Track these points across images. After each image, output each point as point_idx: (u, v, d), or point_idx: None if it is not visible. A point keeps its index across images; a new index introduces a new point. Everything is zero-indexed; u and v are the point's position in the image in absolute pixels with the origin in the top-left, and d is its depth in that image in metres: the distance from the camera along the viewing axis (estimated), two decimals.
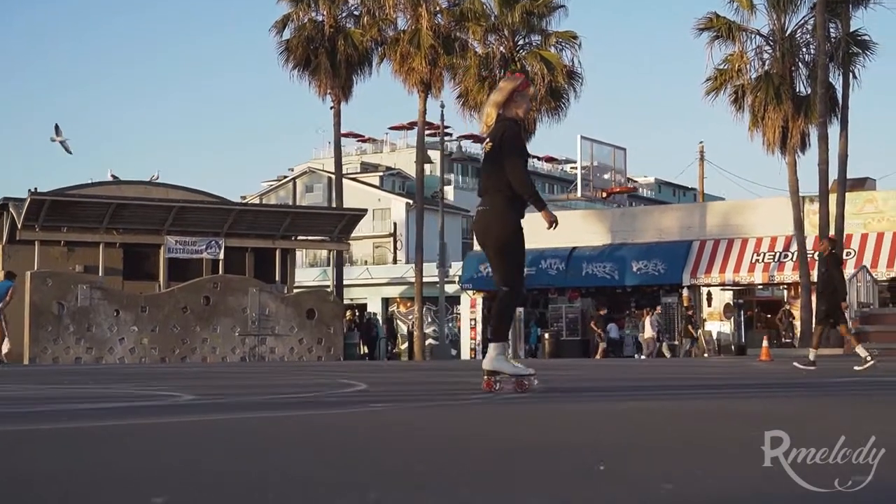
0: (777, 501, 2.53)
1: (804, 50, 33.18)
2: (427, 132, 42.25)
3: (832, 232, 30.10)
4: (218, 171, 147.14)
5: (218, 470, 3.04)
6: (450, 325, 43.54)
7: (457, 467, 3.14)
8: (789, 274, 34.38)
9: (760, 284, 36.76)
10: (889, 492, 2.63)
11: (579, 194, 38.85)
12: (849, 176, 36.35)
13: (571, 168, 65.83)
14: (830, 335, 29.15)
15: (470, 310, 41.55)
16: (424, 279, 38.40)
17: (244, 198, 67.47)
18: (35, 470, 3.01)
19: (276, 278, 32.35)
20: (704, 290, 37.49)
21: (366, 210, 35.37)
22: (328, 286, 36.27)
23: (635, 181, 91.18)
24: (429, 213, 42.01)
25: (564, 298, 39.16)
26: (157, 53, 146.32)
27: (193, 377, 12.17)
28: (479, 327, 41.02)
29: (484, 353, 30.69)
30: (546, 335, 37.01)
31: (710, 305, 37.76)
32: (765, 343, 23.79)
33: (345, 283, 41.62)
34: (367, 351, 40.49)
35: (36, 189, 29.87)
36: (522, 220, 7.00)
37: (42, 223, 29.75)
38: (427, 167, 53.19)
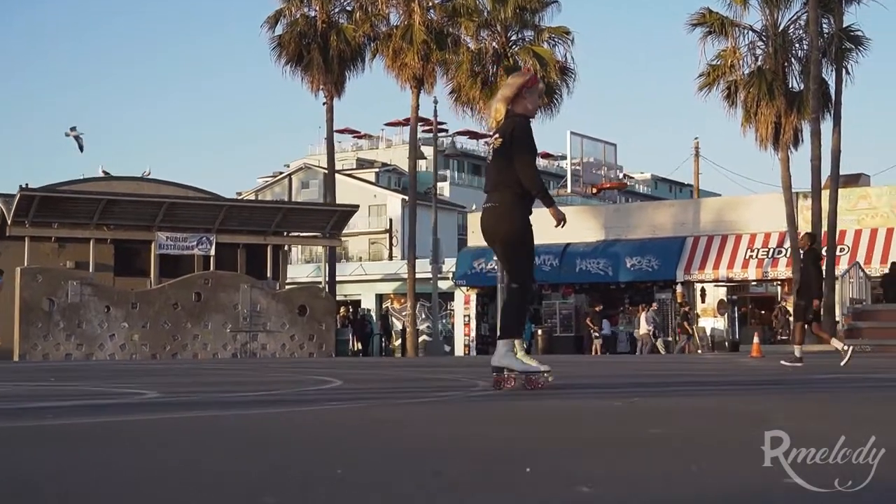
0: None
1: (797, 45, 33.09)
2: (423, 128, 42.12)
3: (825, 228, 30.06)
4: (214, 168, 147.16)
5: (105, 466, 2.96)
6: (444, 321, 43.49)
7: (370, 469, 3.06)
8: (783, 270, 34.33)
9: (754, 281, 36.73)
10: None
11: (569, 190, 38.79)
12: (843, 172, 36.33)
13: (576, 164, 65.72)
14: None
15: (464, 306, 41.50)
16: (419, 275, 38.33)
17: (240, 194, 67.42)
18: None
19: (268, 274, 32.26)
20: (698, 287, 37.46)
21: (357, 206, 35.26)
22: (321, 282, 36.21)
23: (632, 177, 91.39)
24: (425, 209, 41.91)
25: (558, 295, 39.13)
26: (153, 50, 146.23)
27: (171, 374, 12.11)
28: (473, 323, 41.02)
29: (478, 350, 30.73)
30: (539, 331, 36.95)
31: (703, 302, 37.73)
32: (755, 339, 23.72)
33: (339, 279, 41.52)
34: (360, 347, 40.44)
35: (27, 185, 29.81)
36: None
37: (32, 219, 29.65)
38: (424, 163, 53.19)
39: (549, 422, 4.76)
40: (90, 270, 29.97)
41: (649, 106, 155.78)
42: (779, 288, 37.26)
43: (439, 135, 61.01)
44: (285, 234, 34.17)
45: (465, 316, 41.48)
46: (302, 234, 35.47)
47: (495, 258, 33.94)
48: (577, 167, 38.62)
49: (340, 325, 38.01)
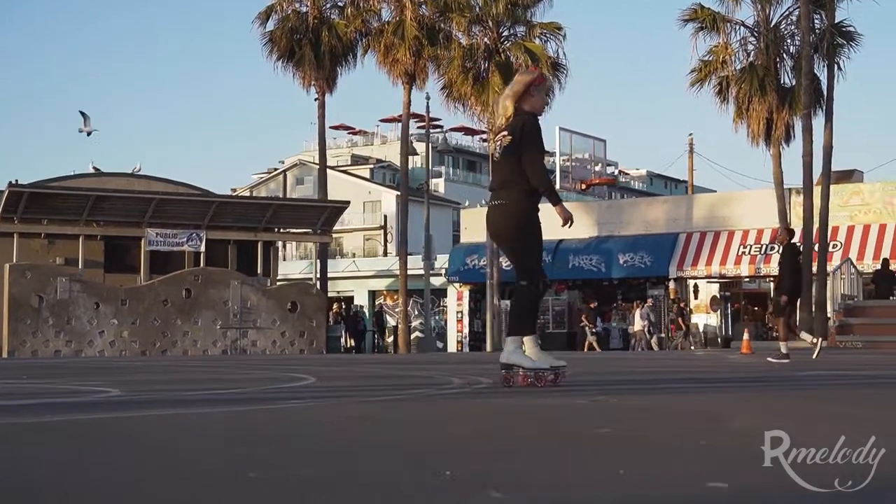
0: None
1: (789, 41, 33.01)
2: (419, 124, 42.17)
3: (817, 224, 30.00)
4: (208, 164, 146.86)
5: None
6: (436, 317, 43.43)
7: (271, 471, 2.98)
8: (776, 266, 34.14)
9: (747, 277, 36.66)
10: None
11: (558, 186, 38.71)
12: (836, 168, 36.28)
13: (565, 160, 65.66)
14: (815, 327, 29.21)
15: (457, 302, 41.44)
16: (412, 272, 38.28)
17: (234, 190, 67.32)
18: None
19: (259, 271, 32.17)
20: (691, 283, 37.41)
21: (348, 202, 35.17)
22: (319, 278, 36.14)
23: (627, 173, 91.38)
24: (420, 206, 41.80)
25: (551, 291, 39.05)
26: (147, 46, 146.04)
27: (148, 372, 12.03)
28: (466, 320, 40.96)
29: (471, 347, 30.62)
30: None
31: (696, 298, 37.70)
32: (745, 336, 23.62)
33: (331, 275, 41.46)
34: (353, 344, 40.37)
35: (16, 181, 29.72)
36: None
37: (21, 215, 29.57)
38: (419, 160, 53.16)
39: (502, 421, 4.68)
40: (80, 267, 29.89)
41: (644, 102, 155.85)
42: (771, 284, 37.16)
43: (433, 131, 61.10)
44: (276, 230, 34.09)
45: (457, 312, 41.42)
46: (293, 231, 35.40)
47: (487, 255, 34.26)
48: (567, 163, 38.55)
49: (333, 321, 37.96)
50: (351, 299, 44.94)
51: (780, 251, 15.70)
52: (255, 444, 3.71)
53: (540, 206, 6.94)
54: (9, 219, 29.41)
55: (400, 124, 66.78)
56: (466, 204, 51.46)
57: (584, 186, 38.53)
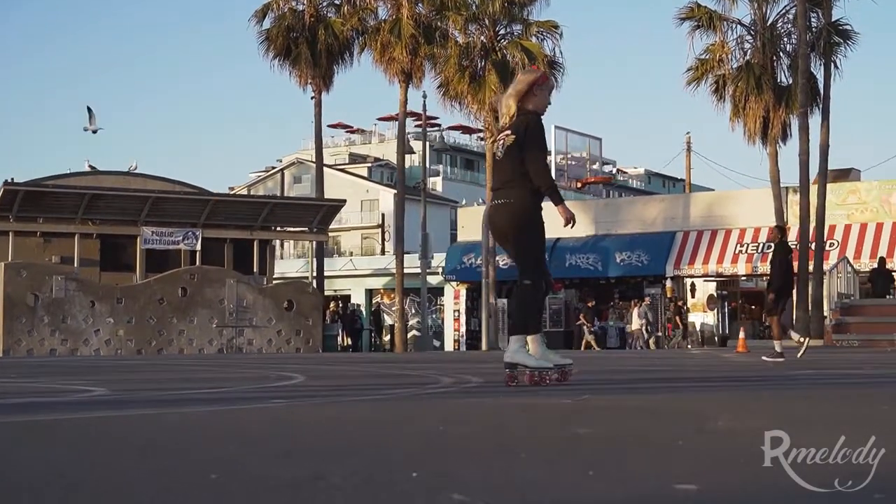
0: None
1: (785, 40, 32.95)
2: (416, 123, 42.05)
3: (813, 223, 29.96)
4: (207, 163, 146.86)
5: None
6: (433, 316, 43.39)
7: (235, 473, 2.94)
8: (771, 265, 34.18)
9: (744, 275, 36.62)
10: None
11: None
12: (834, 167, 36.21)
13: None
14: (811, 326, 29.18)
15: (453, 301, 41.41)
16: (409, 270, 38.24)
17: (232, 189, 67.21)
18: None
19: (255, 269, 32.14)
20: (688, 282, 37.38)
21: (344, 201, 35.14)
22: (315, 276, 36.11)
23: (625, 172, 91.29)
24: (418, 204, 41.67)
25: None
26: (148, 45, 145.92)
27: (137, 370, 11.98)
28: (463, 319, 40.93)
29: (468, 345, 30.57)
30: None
31: (693, 297, 37.68)
32: (741, 335, 23.58)
33: (328, 274, 41.40)
34: (350, 343, 40.32)
35: (12, 179, 29.68)
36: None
37: (16, 214, 29.54)
38: (417, 158, 53.03)
39: (479, 421, 4.64)
40: (75, 265, 29.85)
41: (642, 100, 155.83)
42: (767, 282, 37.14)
43: (431, 129, 61.01)
44: (272, 228, 34.06)
45: (454, 311, 41.40)
46: (289, 229, 35.34)
47: (483, 254, 34.18)
48: (563, 162, 38.51)
49: (330, 320, 37.91)
50: (348, 298, 44.89)
51: (773, 249, 15.68)
52: (225, 444, 3.66)
53: (564, 206, 6.93)
54: (4, 217, 29.38)
55: (397, 123, 66.78)
56: (463, 203, 51.43)
57: (580, 185, 38.51)
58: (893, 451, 2.91)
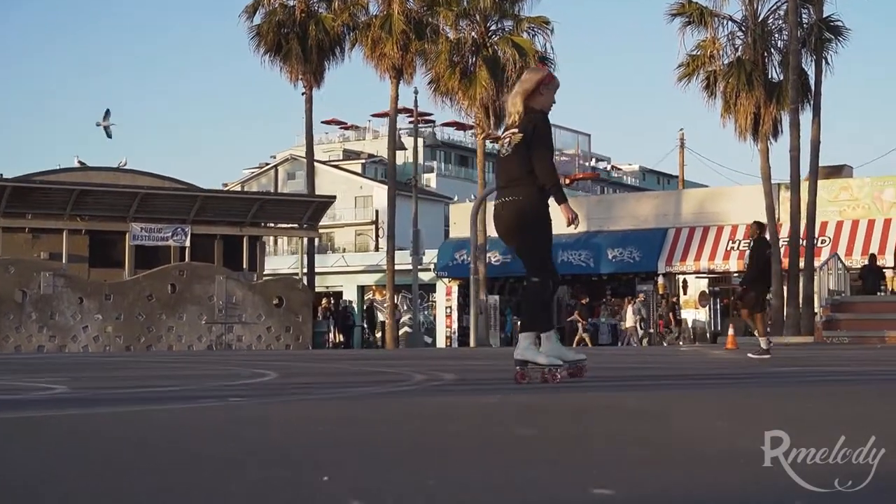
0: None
1: (776, 36, 32.85)
2: (410, 119, 41.95)
3: (804, 220, 29.90)
4: (201, 159, 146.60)
5: None
6: (425, 312, 43.31)
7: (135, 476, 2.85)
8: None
9: (735, 272, 36.51)
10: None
11: None
12: (827, 164, 36.13)
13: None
14: (802, 322, 29.14)
15: (445, 297, 41.33)
16: (401, 267, 38.16)
17: (226, 185, 67.10)
18: None
19: (244, 265, 32.06)
20: (680, 278, 37.33)
21: (334, 197, 35.07)
22: (304, 273, 36.04)
23: (619, 169, 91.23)
24: (410, 201, 41.57)
25: None
26: (146, 43, 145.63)
27: (108, 368, 11.88)
28: (455, 315, 40.85)
29: (460, 342, 30.43)
30: (519, 323, 36.70)
31: (685, 293, 37.63)
32: (731, 331, 23.53)
33: (321, 270, 41.30)
34: (342, 339, 40.21)
35: (1, 175, 29.62)
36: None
37: (5, 209, 29.47)
38: (411, 154, 52.93)
39: (424, 421, 4.55)
40: (63, 261, 29.78)
41: (637, 97, 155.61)
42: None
43: (425, 126, 60.88)
44: (262, 224, 33.98)
45: (446, 307, 41.31)
46: (279, 226, 35.26)
47: (471, 250, 34.08)
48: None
49: (322, 316, 37.80)
50: (340, 294, 44.80)
51: (752, 245, 15.63)
52: (141, 448, 3.57)
53: (567, 206, 6.93)
54: None
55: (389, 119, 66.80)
56: (456, 199, 51.32)
57: (567, 181, 38.40)
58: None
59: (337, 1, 36.72)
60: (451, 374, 9.17)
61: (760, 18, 32.52)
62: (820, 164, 31.68)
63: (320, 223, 50.25)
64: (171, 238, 30.97)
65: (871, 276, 28.88)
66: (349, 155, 72.64)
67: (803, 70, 31.14)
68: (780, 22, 32.45)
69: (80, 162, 36.40)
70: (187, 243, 31.08)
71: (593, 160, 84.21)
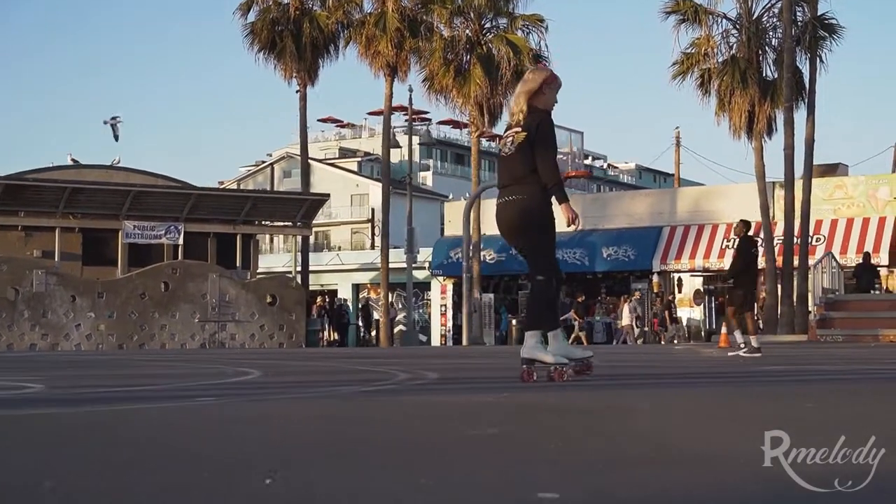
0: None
1: (771, 34, 32.79)
2: (407, 117, 41.80)
3: (798, 218, 29.86)
4: (197, 157, 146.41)
5: None
6: (420, 311, 43.26)
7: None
8: (759, 260, 34.06)
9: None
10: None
11: None
12: (822, 162, 36.08)
13: None
14: (796, 321, 29.09)
15: (440, 296, 41.28)
16: (396, 265, 38.11)
17: (222, 183, 66.97)
18: None
19: (238, 264, 31.99)
20: (675, 277, 37.28)
21: (328, 195, 34.99)
22: (298, 271, 35.96)
23: (616, 167, 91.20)
24: (406, 199, 41.50)
25: None
26: (137, 37, 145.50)
27: (92, 366, 11.82)
28: (450, 313, 40.81)
29: (454, 340, 30.35)
30: (514, 321, 36.74)
31: (680, 291, 37.59)
32: (723, 329, 23.50)
33: (316, 268, 41.23)
34: (337, 338, 40.14)
35: None
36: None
37: None
38: (408, 152, 52.84)
39: (388, 422, 4.49)
40: (56, 259, 29.71)
41: (633, 95, 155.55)
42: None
43: (422, 124, 60.82)
44: (256, 222, 33.90)
45: (441, 306, 41.28)
46: (272, 224, 35.18)
47: (463, 249, 33.99)
48: None
49: (317, 314, 37.73)
50: (335, 292, 44.74)
51: (737, 244, 15.60)
52: (103, 447, 3.52)
53: (568, 205, 6.93)
54: None
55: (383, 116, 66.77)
56: (451, 197, 51.25)
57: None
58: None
59: None
60: (435, 374, 9.12)
61: (755, 16, 32.47)
62: (815, 163, 31.67)
63: (317, 221, 50.23)
64: (165, 236, 30.90)
65: (865, 274, 28.81)
66: (345, 153, 72.56)
67: (797, 68, 31.10)
68: (775, 20, 32.44)
69: (72, 160, 36.31)
70: (180, 241, 31.02)
71: (589, 158, 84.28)
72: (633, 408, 5.12)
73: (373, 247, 57.05)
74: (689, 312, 37.74)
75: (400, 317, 40.31)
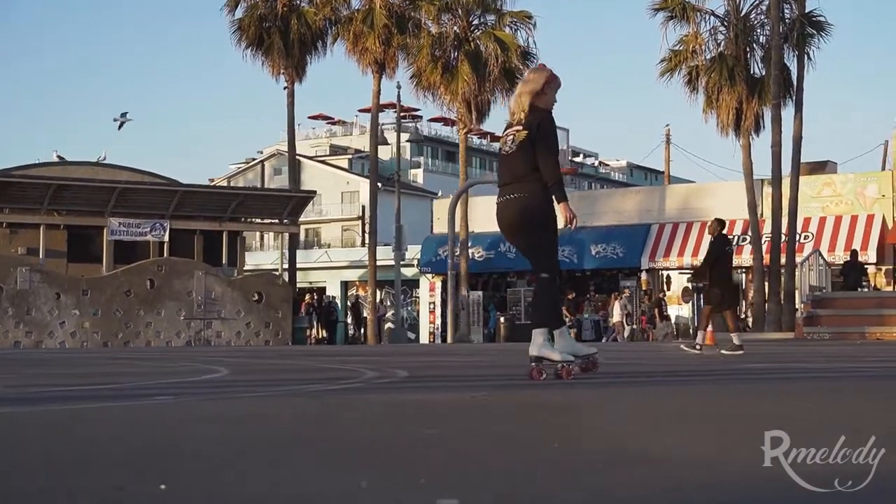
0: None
1: (759, 31, 32.77)
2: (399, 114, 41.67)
3: (786, 215, 29.82)
4: (188, 154, 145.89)
5: None
6: (408, 308, 43.18)
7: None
8: (747, 258, 34.05)
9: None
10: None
11: None
12: (811, 159, 36.01)
13: None
14: (783, 318, 29.06)
15: (429, 293, 41.21)
16: (385, 262, 38.02)
17: (212, 180, 66.78)
18: None
19: (224, 261, 31.88)
20: (663, 274, 37.24)
21: (314, 192, 34.89)
22: (285, 269, 35.86)
23: (607, 164, 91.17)
24: (402, 197, 41.35)
25: (524, 282, 38.85)
26: (131, 34, 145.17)
27: (62, 364, 11.71)
28: (438, 311, 40.74)
29: (443, 338, 30.20)
30: (501, 319, 36.68)
31: (668, 289, 37.55)
32: (709, 328, 23.38)
33: (304, 266, 41.10)
34: (326, 335, 40.05)
35: None
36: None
37: None
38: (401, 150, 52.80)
39: (324, 423, 4.39)
40: (41, 256, 29.58)
41: (625, 92, 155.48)
42: (743, 275, 37.05)
43: (412, 122, 60.70)
44: (243, 220, 33.78)
45: (430, 303, 41.20)
46: (259, 221, 35.06)
47: (448, 246, 33.90)
48: None
49: (305, 312, 37.63)
50: (323, 290, 44.64)
51: (712, 242, 15.54)
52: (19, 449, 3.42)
53: (567, 205, 6.95)
54: None
55: (380, 114, 66.70)
56: (440, 194, 51.20)
57: None
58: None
59: None
60: (405, 372, 9.02)
61: (743, 13, 32.44)
62: (804, 160, 31.63)
63: (307, 219, 50.08)
64: (150, 233, 30.77)
65: (852, 272, 28.78)
66: (336, 150, 72.43)
67: (785, 65, 31.09)
68: (763, 17, 32.41)
69: (58, 156, 36.16)
70: (166, 238, 30.90)
71: (581, 156, 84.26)
72: (620, 405, 5.03)
73: (363, 244, 56.98)
74: (678, 310, 37.71)
75: (389, 314, 40.23)
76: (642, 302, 36.60)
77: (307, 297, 40.28)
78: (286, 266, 35.22)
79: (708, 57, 32.47)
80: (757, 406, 5.14)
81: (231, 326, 30.62)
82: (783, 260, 29.65)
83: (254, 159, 71.81)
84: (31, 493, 2.53)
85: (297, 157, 49.33)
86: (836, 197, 34.20)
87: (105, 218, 30.36)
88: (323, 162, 66.53)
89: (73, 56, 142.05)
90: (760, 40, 32.62)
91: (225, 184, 63.06)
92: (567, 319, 35.38)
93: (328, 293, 44.33)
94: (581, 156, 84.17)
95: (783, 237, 29.85)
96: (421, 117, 66.22)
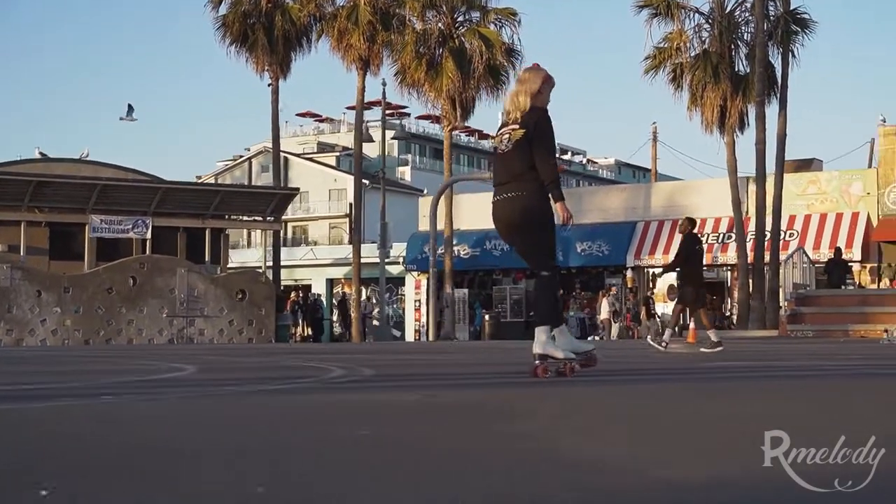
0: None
1: (743, 28, 32.76)
2: (387, 112, 41.59)
3: (770, 212, 29.80)
4: (175, 151, 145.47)
5: None
6: (394, 306, 43.08)
7: None
8: (733, 255, 34.08)
9: (704, 266, 36.34)
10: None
11: None
12: (797, 157, 35.96)
13: None
14: (766, 316, 29.03)
15: (414, 291, 41.12)
16: (370, 260, 37.91)
17: (199, 177, 66.57)
18: None
19: (206, 258, 31.74)
20: (649, 272, 37.21)
21: (297, 189, 34.79)
22: (269, 266, 35.76)
23: (595, 162, 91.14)
24: (388, 194, 41.27)
25: (509, 280, 38.81)
26: (120, 32, 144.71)
27: (28, 362, 11.58)
28: (424, 308, 40.66)
29: (429, 335, 30.03)
30: (486, 317, 36.61)
31: (654, 287, 37.52)
32: (691, 325, 23.35)
33: (289, 263, 41.00)
34: (311, 333, 39.96)
35: None
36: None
37: None
38: (388, 147, 52.69)
39: (271, 424, 4.30)
40: (21, 253, 29.41)
41: (612, 90, 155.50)
42: (729, 273, 37.06)
43: (396, 118, 60.58)
44: (226, 217, 33.65)
45: (415, 301, 41.11)
46: (241, 218, 34.93)
47: (431, 244, 33.81)
48: None
49: (291, 309, 37.52)
50: (309, 287, 44.52)
51: (682, 240, 15.50)
52: None
53: (564, 204, 6.96)
54: None
55: (368, 112, 66.57)
56: (426, 192, 51.11)
57: None
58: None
59: None
60: (372, 370, 8.93)
61: (727, 11, 32.42)
62: (790, 158, 31.60)
63: (294, 216, 49.97)
64: (132, 230, 30.62)
65: (836, 269, 28.75)
66: (324, 148, 72.30)
67: (770, 63, 31.06)
68: (747, 14, 32.38)
69: (40, 153, 35.99)
70: (148, 235, 30.75)
71: (569, 153, 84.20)
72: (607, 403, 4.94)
73: (350, 241, 56.86)
74: (664, 307, 37.67)
75: (374, 312, 40.14)
76: (627, 299, 36.59)
77: (292, 294, 40.17)
78: (270, 264, 35.11)
79: (692, 54, 32.44)
80: (752, 405, 5.10)
81: (214, 324, 30.48)
82: (767, 258, 29.62)
83: (241, 156, 71.65)
84: None
85: (285, 154, 49.30)
86: (821, 195, 34.21)
87: (87, 215, 30.20)
88: (311, 159, 66.40)
89: (57, 53, 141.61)
90: (745, 37, 32.61)
91: (212, 181, 62.86)
92: None
93: (314, 291, 44.21)
94: (569, 153, 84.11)
95: (767, 234, 29.82)
96: (409, 115, 66.15)
